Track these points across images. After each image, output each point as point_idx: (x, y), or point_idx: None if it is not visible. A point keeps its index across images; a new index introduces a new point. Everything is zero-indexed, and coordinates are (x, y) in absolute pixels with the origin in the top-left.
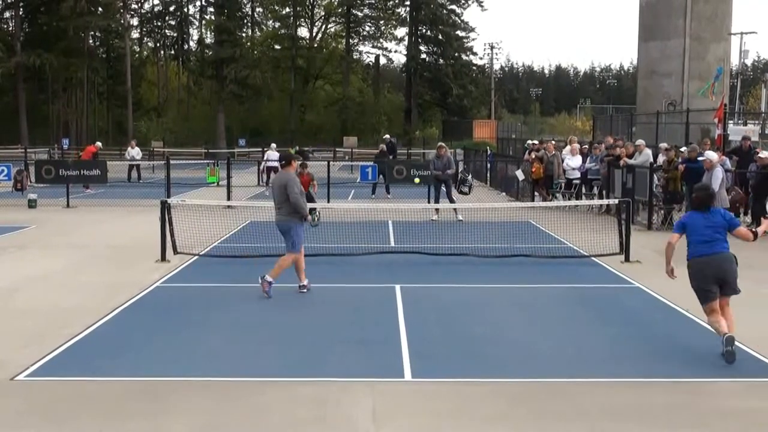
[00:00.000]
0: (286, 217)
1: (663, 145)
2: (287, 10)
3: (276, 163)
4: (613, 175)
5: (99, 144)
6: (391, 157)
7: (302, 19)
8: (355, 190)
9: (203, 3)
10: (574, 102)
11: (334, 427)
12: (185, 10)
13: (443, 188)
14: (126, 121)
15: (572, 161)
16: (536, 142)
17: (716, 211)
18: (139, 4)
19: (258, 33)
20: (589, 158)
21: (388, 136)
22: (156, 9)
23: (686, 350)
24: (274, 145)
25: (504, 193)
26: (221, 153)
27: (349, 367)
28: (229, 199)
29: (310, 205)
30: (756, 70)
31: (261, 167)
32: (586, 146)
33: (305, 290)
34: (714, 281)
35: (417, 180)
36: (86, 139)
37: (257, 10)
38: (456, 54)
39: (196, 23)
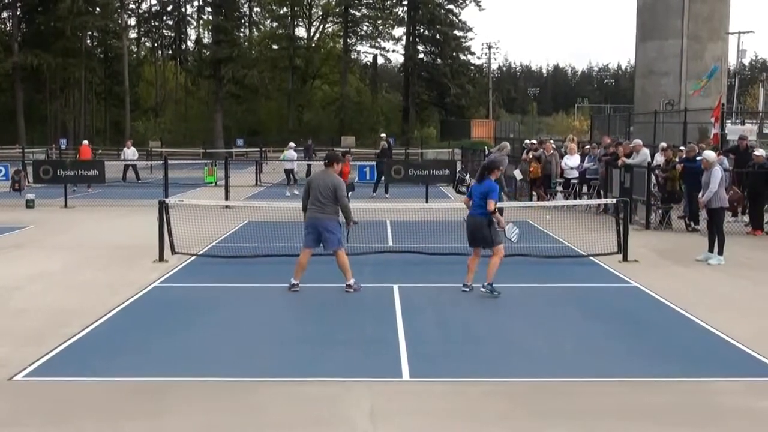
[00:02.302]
0: (329, 215)
1: (662, 144)
2: (285, 9)
3: (293, 165)
4: (611, 175)
5: (86, 142)
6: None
7: (300, 19)
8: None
9: (201, 3)
10: (572, 102)
11: (333, 427)
12: (183, 10)
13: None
14: (123, 121)
15: (570, 161)
16: (534, 141)
17: (485, 183)
18: (137, 4)
19: (256, 33)
20: (587, 158)
21: (384, 134)
22: (153, 9)
23: (685, 349)
24: (293, 145)
25: (502, 193)
26: (219, 153)
27: (348, 367)
28: (227, 199)
29: None
30: (753, 69)
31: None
32: (588, 147)
33: (297, 289)
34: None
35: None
36: (86, 139)
37: (255, 9)
38: (454, 54)
39: (194, 23)
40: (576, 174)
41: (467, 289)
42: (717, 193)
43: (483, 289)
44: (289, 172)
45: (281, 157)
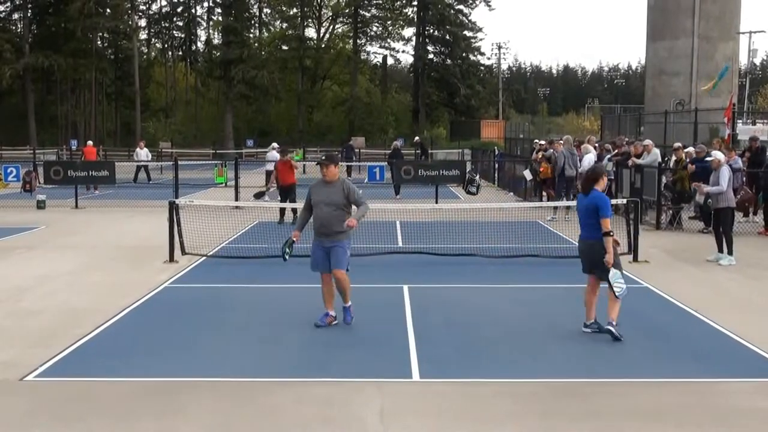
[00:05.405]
0: None
1: (677, 144)
2: (295, 10)
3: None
4: (622, 175)
5: (90, 143)
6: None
7: (310, 20)
8: (363, 190)
9: (211, 4)
10: (582, 102)
11: (343, 427)
12: (193, 11)
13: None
14: (134, 122)
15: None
16: (543, 142)
17: (593, 194)
18: (147, 6)
19: (265, 33)
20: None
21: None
22: (164, 10)
23: (696, 350)
24: (275, 145)
25: (512, 193)
26: (229, 153)
27: (358, 368)
28: (237, 199)
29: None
30: (765, 68)
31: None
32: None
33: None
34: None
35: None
36: (95, 141)
37: (265, 10)
38: (464, 54)
39: (204, 24)
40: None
41: (588, 330)
42: (725, 193)
43: (609, 327)
44: (270, 174)
45: (267, 157)
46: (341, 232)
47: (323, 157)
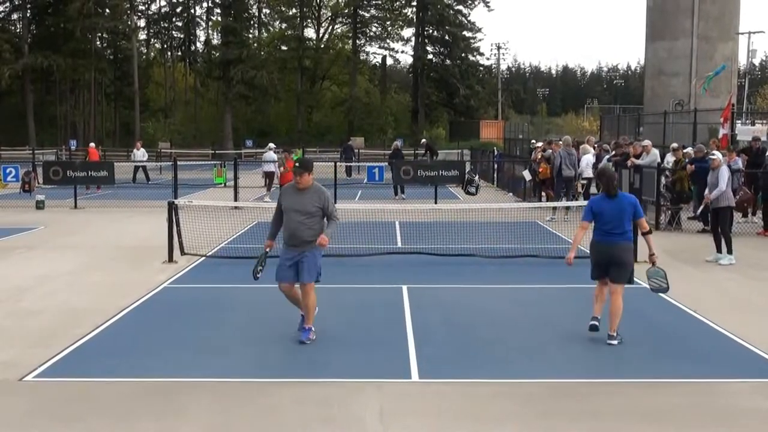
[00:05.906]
0: None
1: (674, 145)
2: (294, 10)
3: (274, 167)
4: (621, 175)
5: (92, 144)
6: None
7: (309, 20)
8: (362, 191)
9: (210, 4)
10: (581, 102)
11: (343, 427)
12: (192, 11)
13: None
14: (133, 122)
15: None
16: (539, 144)
17: (621, 197)
18: (146, 6)
19: (265, 34)
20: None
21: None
22: (163, 10)
23: (694, 351)
24: (272, 145)
25: (511, 194)
26: (228, 154)
27: (357, 368)
28: (236, 200)
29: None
30: (764, 69)
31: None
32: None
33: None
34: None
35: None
36: (95, 141)
37: (264, 11)
38: (463, 54)
39: (203, 24)
40: (590, 174)
41: (597, 323)
42: (724, 193)
43: (611, 342)
44: (268, 176)
45: (263, 158)
46: (312, 242)
47: (297, 164)
